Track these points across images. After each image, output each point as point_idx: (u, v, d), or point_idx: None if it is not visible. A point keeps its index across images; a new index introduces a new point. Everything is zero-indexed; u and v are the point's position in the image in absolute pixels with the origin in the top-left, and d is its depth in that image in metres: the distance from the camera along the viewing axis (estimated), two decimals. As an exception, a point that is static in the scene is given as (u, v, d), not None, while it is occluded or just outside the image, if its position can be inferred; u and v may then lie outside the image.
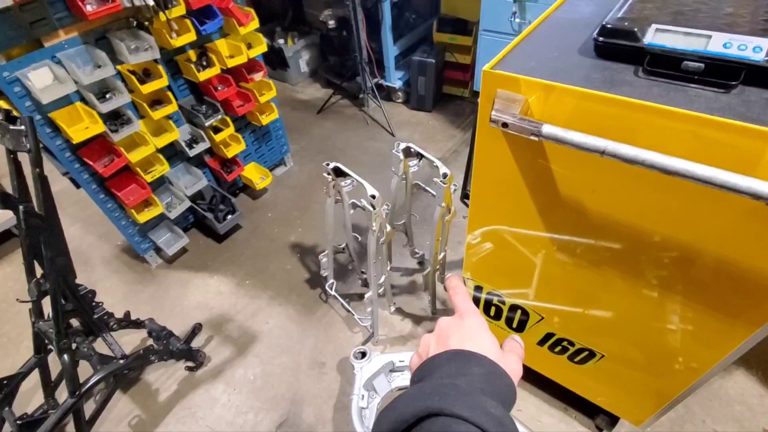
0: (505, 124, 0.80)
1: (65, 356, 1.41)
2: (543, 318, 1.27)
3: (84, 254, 2.45)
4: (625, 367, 1.20)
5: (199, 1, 1.83)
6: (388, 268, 2.10)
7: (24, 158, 1.21)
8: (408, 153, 1.60)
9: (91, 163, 1.78)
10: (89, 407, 1.50)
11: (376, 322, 1.80)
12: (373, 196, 1.42)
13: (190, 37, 1.84)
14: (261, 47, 2.17)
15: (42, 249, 1.28)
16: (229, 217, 2.31)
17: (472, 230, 1.26)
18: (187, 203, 2.18)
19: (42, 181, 1.23)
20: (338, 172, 1.55)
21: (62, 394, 1.61)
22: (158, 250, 2.30)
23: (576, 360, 1.30)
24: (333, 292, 1.94)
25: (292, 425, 1.65)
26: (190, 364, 1.83)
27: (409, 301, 2.02)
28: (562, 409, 1.60)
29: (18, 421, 1.50)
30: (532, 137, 0.79)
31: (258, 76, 2.23)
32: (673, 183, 0.69)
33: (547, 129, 0.76)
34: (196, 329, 1.92)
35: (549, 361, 1.40)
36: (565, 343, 1.29)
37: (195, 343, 1.90)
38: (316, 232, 2.40)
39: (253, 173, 2.54)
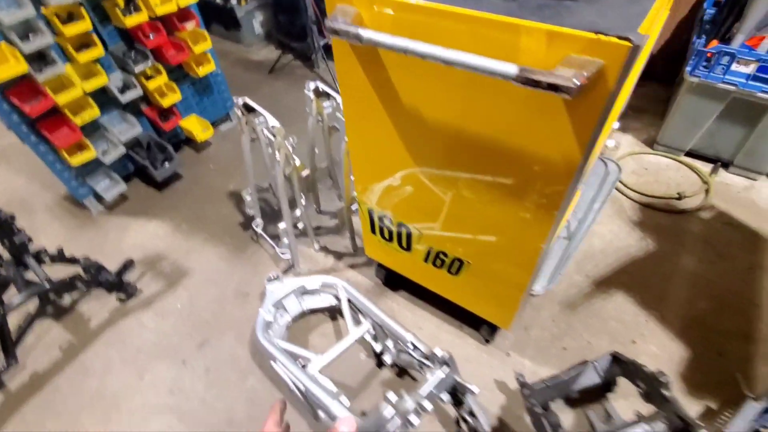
0: (335, 32, 0.91)
1: (-13, 275, 1.51)
2: (420, 233, 1.42)
3: (27, 202, 2.52)
4: (485, 270, 1.35)
5: (121, -56, 1.87)
6: (317, 210, 2.23)
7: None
8: (318, 93, 1.70)
9: (18, 103, 1.84)
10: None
11: (294, 252, 1.93)
12: (274, 127, 1.53)
13: (110, -20, 1.88)
14: (192, -4, 2.22)
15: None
16: (167, 164, 2.39)
17: (351, 153, 1.39)
18: (122, 149, 2.25)
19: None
20: (248, 108, 1.65)
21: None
22: (99, 198, 2.38)
23: (453, 271, 1.45)
24: (259, 230, 2.06)
25: (213, 345, 1.79)
26: (121, 295, 1.95)
27: (334, 240, 2.16)
28: (458, 327, 1.77)
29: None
30: (356, 42, 0.90)
31: (190, 26, 2.28)
32: (472, 80, 0.82)
33: (365, 33, 0.87)
34: (128, 264, 2.02)
35: (435, 277, 1.55)
36: (441, 256, 1.43)
37: (128, 279, 2.01)
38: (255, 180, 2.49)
39: (195, 125, 2.61)
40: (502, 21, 0.77)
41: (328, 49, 3.39)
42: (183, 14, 2.26)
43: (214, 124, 2.85)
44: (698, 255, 1.98)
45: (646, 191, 2.27)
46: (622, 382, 1.46)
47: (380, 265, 1.83)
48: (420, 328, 1.78)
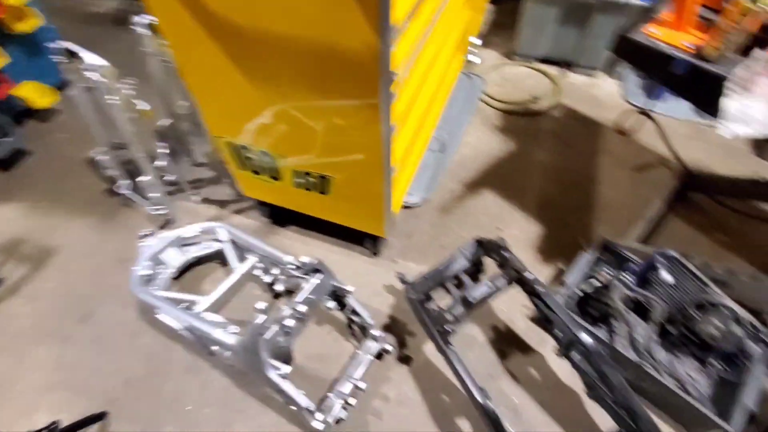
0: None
1: None
2: (281, 157, 1.43)
3: None
4: (348, 183, 1.42)
5: None
6: (194, 163, 2.13)
7: None
8: (154, 28, 1.56)
9: None
10: None
11: (169, 204, 1.85)
12: (100, 66, 1.40)
13: None
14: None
15: None
16: (6, 139, 2.09)
17: (190, 88, 1.32)
18: (-63, 127, 1.92)
19: None
20: (72, 54, 1.48)
21: None
22: (-75, 190, 2.03)
23: (322, 190, 1.50)
24: (125, 191, 1.93)
25: (97, 316, 1.70)
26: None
27: (216, 190, 2.09)
28: (346, 247, 1.87)
29: None
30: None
31: (-12, -31, 1.92)
32: None
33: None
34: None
35: (309, 200, 1.59)
36: (307, 177, 1.47)
37: (-19, 269, 1.80)
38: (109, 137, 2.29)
39: (32, 93, 2.27)
40: None
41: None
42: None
43: (59, 89, 2.51)
44: (550, 148, 2.25)
45: (506, 99, 2.48)
46: (488, 263, 1.67)
47: (261, 203, 1.83)
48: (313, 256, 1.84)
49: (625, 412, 1.16)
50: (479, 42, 2.52)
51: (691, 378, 1.45)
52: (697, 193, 1.95)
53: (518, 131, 2.34)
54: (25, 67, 2.32)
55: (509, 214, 1.97)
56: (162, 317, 1.44)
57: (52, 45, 1.46)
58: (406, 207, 1.97)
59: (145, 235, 1.63)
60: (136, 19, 1.52)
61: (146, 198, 1.87)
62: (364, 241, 1.77)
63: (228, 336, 1.23)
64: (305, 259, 1.35)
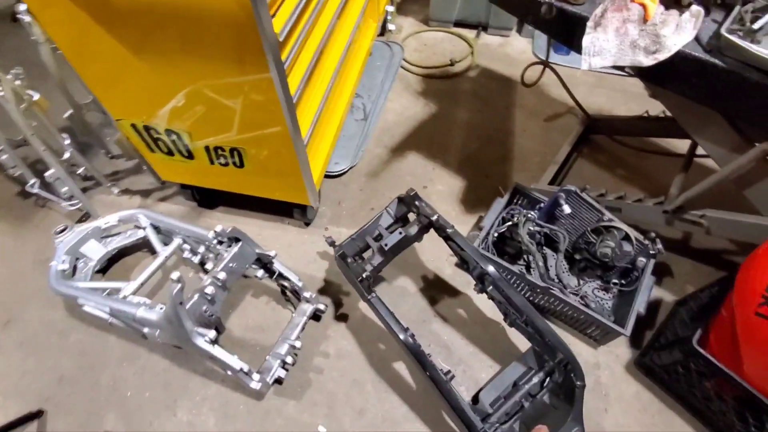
0: None
1: None
2: (187, 132, 1.42)
3: None
4: (259, 153, 1.44)
5: None
6: (110, 155, 2.05)
7: None
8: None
9: None
10: None
11: (83, 198, 1.79)
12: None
13: None
14: None
15: None
16: None
17: (82, 73, 1.28)
18: None
19: None
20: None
21: None
22: None
23: (237, 163, 1.51)
24: (37, 190, 1.83)
25: (19, 320, 1.64)
26: None
27: (137, 180, 2.04)
28: (279, 221, 1.89)
29: None
30: None
31: None
32: None
33: None
34: None
35: (228, 177, 1.60)
36: (219, 152, 1.47)
37: None
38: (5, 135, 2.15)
39: None
40: None
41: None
42: None
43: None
44: (469, 107, 2.35)
45: (425, 64, 2.55)
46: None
47: (183, 186, 1.81)
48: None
49: (532, 330, 1.30)
50: (390, 8, 2.56)
51: (597, 296, 1.63)
52: (598, 135, 2.13)
53: (439, 94, 2.42)
54: None
55: (434, 171, 2.07)
56: (87, 308, 1.41)
57: None
58: (333, 176, 2.02)
59: (61, 231, 1.58)
60: (20, 7, 1.43)
61: (59, 194, 1.79)
62: (294, 211, 1.80)
63: (150, 312, 1.24)
64: (218, 228, 1.36)
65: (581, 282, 1.67)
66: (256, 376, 1.26)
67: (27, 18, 1.46)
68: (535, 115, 2.31)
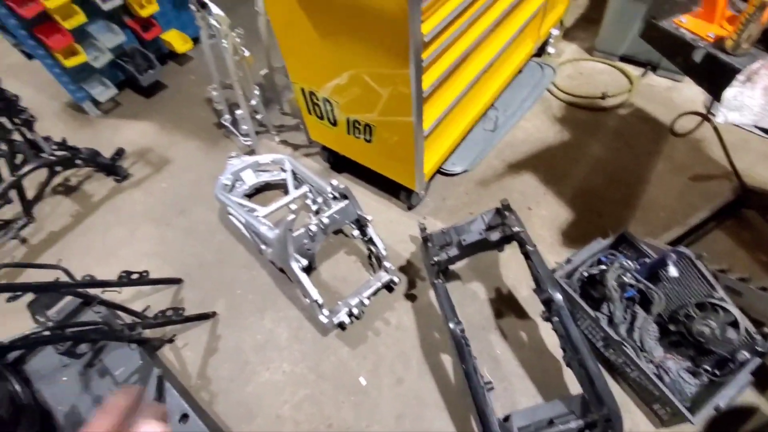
0: None
1: (4, 144, 1.91)
2: (337, 103, 1.73)
3: (35, 110, 2.89)
4: (385, 134, 1.68)
5: None
6: (281, 111, 2.55)
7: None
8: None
9: (13, 6, 2.15)
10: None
11: (253, 137, 2.28)
12: (218, 15, 1.81)
13: None
14: None
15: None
16: (150, 71, 2.71)
17: (280, 42, 1.67)
18: (110, 55, 2.57)
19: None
20: (202, 4, 1.92)
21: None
22: (96, 103, 2.74)
23: (367, 137, 1.79)
24: (227, 124, 2.40)
25: (190, 212, 2.20)
26: (116, 177, 2.36)
27: (294, 135, 2.49)
28: (387, 198, 2.14)
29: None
30: None
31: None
32: None
33: None
34: (120, 152, 2.41)
35: (357, 147, 1.88)
36: (356, 125, 1.76)
37: (122, 165, 2.41)
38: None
39: (175, 39, 2.87)
40: None
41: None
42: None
43: (195, 40, 3.11)
44: (607, 144, 2.26)
45: (574, 92, 2.50)
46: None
47: (324, 148, 2.17)
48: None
49: (584, 373, 1.28)
50: (555, 32, 2.56)
51: (680, 376, 1.48)
52: (751, 211, 1.86)
53: (578, 123, 2.37)
54: (171, 17, 2.93)
55: (544, 196, 2.07)
56: (232, 217, 1.86)
57: (190, -3, 1.92)
58: (447, 174, 2.17)
59: (232, 156, 2.07)
60: None
61: (240, 131, 2.32)
62: (400, 193, 2.02)
63: (269, 231, 1.59)
64: (334, 182, 1.65)
65: (667, 355, 1.53)
66: (325, 312, 1.52)
67: None
68: (680, 170, 2.10)
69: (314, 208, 1.98)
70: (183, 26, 3.01)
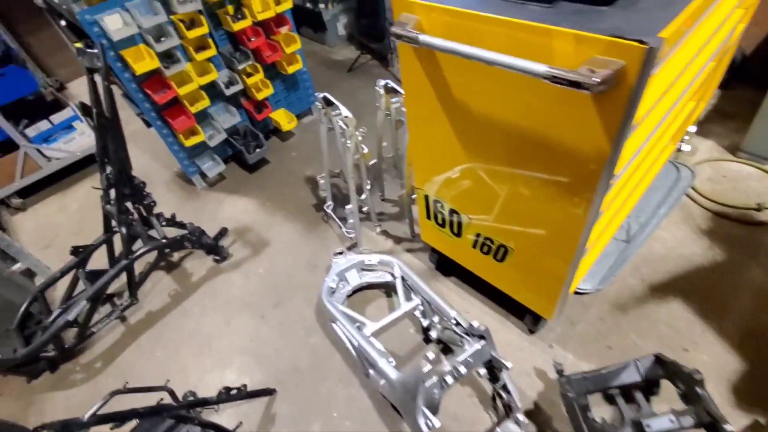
0: (398, 36, 1.10)
1: (123, 228, 1.94)
2: (470, 220, 1.56)
3: (148, 177, 3.04)
4: (528, 258, 1.46)
5: (235, -37, 2.23)
6: (382, 198, 2.45)
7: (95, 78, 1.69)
8: (387, 89, 1.90)
9: (150, 93, 2.28)
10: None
11: (358, 232, 2.16)
12: (347, 117, 1.76)
13: (226, -8, 2.25)
14: (287, 4, 2.54)
15: (108, 146, 1.79)
16: (258, 150, 2.77)
17: (410, 145, 1.57)
18: (224, 135, 2.66)
19: (109, 92, 1.71)
20: (327, 102, 1.90)
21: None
22: (203, 176, 2.83)
23: (498, 257, 1.58)
24: (329, 211, 2.33)
25: (286, 305, 2.09)
26: (216, 257, 2.33)
27: (395, 225, 2.36)
28: (503, 315, 1.88)
29: (87, 272, 2.08)
30: (415, 45, 1.09)
31: (284, 30, 2.61)
32: (512, 78, 0.96)
33: (422, 37, 1.05)
34: (223, 232, 2.41)
35: (482, 262, 1.68)
36: (488, 242, 1.57)
37: (223, 244, 2.40)
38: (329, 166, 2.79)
39: (282, 117, 2.96)
40: (537, 26, 0.90)
41: (403, 49, 3.61)
42: (279, 19, 2.60)
43: (298, 117, 3.19)
44: (773, 270, 1.87)
45: (720, 200, 2.16)
46: (666, 387, 1.48)
47: (434, 250, 2.00)
48: (467, 312, 1.92)
49: None
50: (693, 129, 2.28)
51: None
52: None
53: (730, 239, 2.01)
54: (281, 97, 3.03)
55: (701, 335, 1.71)
56: (337, 328, 1.70)
57: (317, 94, 1.91)
58: (576, 292, 1.89)
59: (338, 254, 1.96)
60: (379, 82, 1.87)
61: (343, 221, 2.23)
62: (525, 316, 1.76)
63: (391, 369, 1.39)
64: (474, 323, 1.43)
65: None
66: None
67: (380, 90, 1.89)
68: None
69: (424, 322, 1.77)
70: (290, 104, 3.10)
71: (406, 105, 1.43)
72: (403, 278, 1.83)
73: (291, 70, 2.80)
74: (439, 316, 1.67)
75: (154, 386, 1.31)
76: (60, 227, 2.80)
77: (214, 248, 2.29)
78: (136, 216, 2.09)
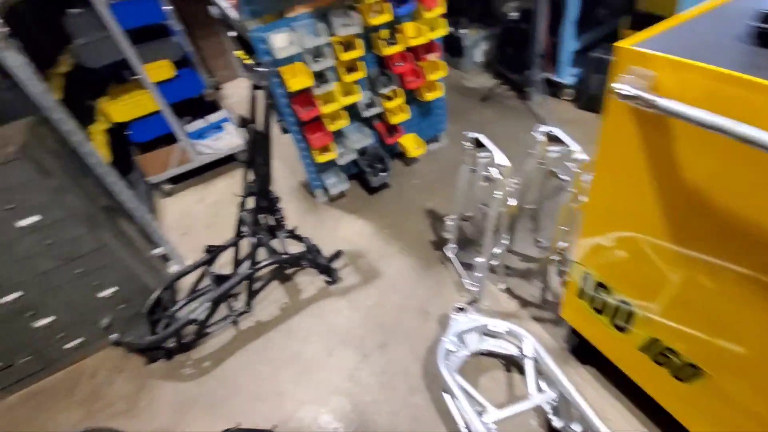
0: (625, 96, 0.87)
1: (253, 239, 1.97)
2: (649, 316, 1.24)
3: (275, 182, 3.18)
4: (728, 390, 1.09)
5: (400, -12, 2.19)
6: (508, 249, 2.19)
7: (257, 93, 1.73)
8: (549, 137, 1.66)
9: (298, 108, 2.34)
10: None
11: (483, 288, 1.93)
12: (503, 165, 1.55)
13: (386, 17, 2.21)
14: (441, 31, 2.44)
15: (256, 158, 1.83)
16: (381, 174, 2.70)
17: (587, 210, 1.30)
18: (354, 155, 2.64)
19: (269, 110, 1.74)
20: (478, 143, 1.72)
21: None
22: (325, 190, 2.85)
23: (681, 376, 1.23)
24: (451, 254, 2.14)
25: (390, 350, 1.94)
26: (328, 279, 2.28)
27: (521, 284, 2.08)
28: (647, 423, 1.49)
29: (214, 274, 2.16)
30: (647, 108, 0.84)
31: (432, 56, 2.51)
32: None
33: (667, 104, 0.80)
34: (338, 254, 2.36)
35: (651, 373, 1.33)
36: (668, 353, 1.22)
37: (335, 265, 2.35)
38: (452, 202, 2.61)
39: (410, 142, 2.87)
40: None
41: (549, 84, 3.29)
42: (429, 46, 2.51)
43: (426, 142, 3.07)
44: None
45: None
46: None
47: (574, 332, 1.68)
48: (606, 419, 1.56)
49: None
50: None
51: None
52: None
53: None
54: (414, 122, 2.94)
55: None
56: (449, 400, 1.49)
57: (468, 134, 1.74)
58: None
59: (459, 309, 1.75)
60: (539, 127, 1.64)
61: (465, 268, 2.02)
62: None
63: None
64: None
65: None
66: None
67: (539, 137, 1.65)
68: None
69: (555, 422, 1.47)
70: (420, 130, 3.00)
71: (597, 167, 1.18)
72: (535, 360, 1.55)
73: (429, 97, 2.69)
74: (581, 425, 1.36)
75: (263, 429, 1.23)
76: (197, 217, 3.04)
77: (327, 270, 2.25)
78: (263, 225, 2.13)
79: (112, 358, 2.18)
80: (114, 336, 1.93)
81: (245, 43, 3.89)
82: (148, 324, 2.05)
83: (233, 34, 3.98)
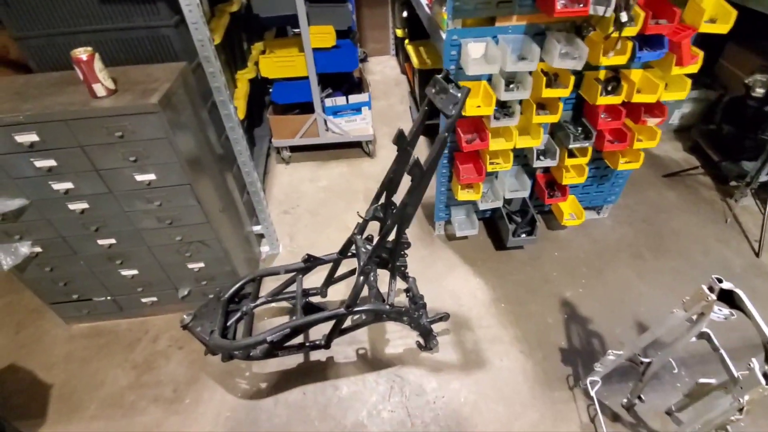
0: None
1: (361, 277, 1.62)
2: None
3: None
4: None
5: (657, 29, 1.60)
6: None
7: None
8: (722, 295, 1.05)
9: (460, 133, 1.91)
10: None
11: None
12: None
13: (622, 59, 1.66)
14: (681, 94, 1.80)
15: (395, 190, 1.44)
16: (523, 236, 2.20)
17: None
18: (500, 203, 2.16)
19: (441, 144, 1.33)
20: (723, 296, 1.16)
21: (333, 293, 1.93)
22: (447, 223, 2.43)
23: None
24: (592, 391, 1.61)
25: None
26: (422, 342, 1.89)
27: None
28: None
29: (303, 296, 1.86)
30: None
31: (653, 122, 1.90)
32: None
33: None
34: (444, 317, 1.94)
35: None
36: None
37: (435, 329, 1.94)
38: (600, 304, 2.04)
39: (567, 206, 2.31)
40: None
41: (774, 190, 2.48)
42: (653, 107, 1.90)
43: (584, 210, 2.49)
44: None
45: None
46: None
47: None
48: None
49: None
50: None
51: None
52: None
53: None
54: (581, 185, 2.36)
55: None
56: None
57: (715, 277, 1.17)
58: None
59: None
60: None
61: (601, 409, 1.49)
62: None
63: None
64: None
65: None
66: None
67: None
68: None
69: None
70: (583, 196, 2.42)
71: None
72: None
73: (622, 167, 2.09)
74: None
75: None
76: (303, 198, 2.81)
77: (426, 334, 1.85)
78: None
79: (178, 328, 2.03)
80: (186, 318, 1.75)
81: (412, 24, 3.51)
82: (222, 312, 1.84)
83: (405, 14, 3.61)
